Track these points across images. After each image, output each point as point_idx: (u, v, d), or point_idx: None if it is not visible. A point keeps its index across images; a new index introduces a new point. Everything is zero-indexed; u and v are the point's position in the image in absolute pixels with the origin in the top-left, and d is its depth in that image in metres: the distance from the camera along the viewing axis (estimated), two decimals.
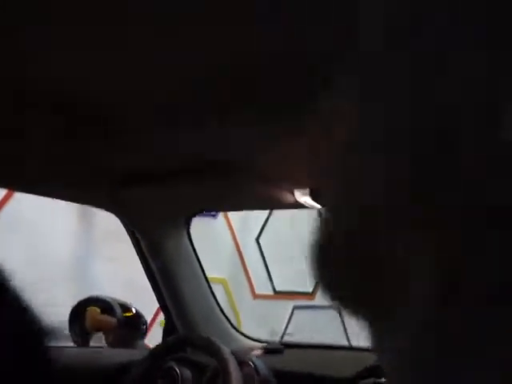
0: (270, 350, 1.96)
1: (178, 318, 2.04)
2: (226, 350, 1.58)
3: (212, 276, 4.53)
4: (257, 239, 5.03)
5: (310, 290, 5.56)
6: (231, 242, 4.73)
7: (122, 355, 2.00)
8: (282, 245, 5.02)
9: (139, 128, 0.94)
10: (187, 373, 1.85)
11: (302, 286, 5.52)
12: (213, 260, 4.55)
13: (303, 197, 1.24)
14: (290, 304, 5.32)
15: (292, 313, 5.35)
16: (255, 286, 5.01)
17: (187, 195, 1.52)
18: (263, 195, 1.31)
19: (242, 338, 2.21)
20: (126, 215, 1.84)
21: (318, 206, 1.22)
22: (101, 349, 2.05)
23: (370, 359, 1.57)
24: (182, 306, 2.03)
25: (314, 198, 1.21)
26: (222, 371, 1.53)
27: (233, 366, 1.45)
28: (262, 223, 4.96)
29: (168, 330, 2.09)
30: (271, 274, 5.16)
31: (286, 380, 1.66)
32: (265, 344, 2.04)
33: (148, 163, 1.22)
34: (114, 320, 2.19)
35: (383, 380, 1.39)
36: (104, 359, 1.97)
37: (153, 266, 1.96)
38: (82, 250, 3.91)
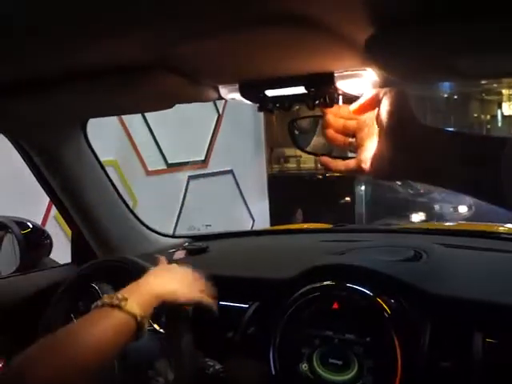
0: (194, 250, 1.88)
1: (89, 230, 1.89)
2: (147, 267, 1.46)
3: (101, 159, 4.38)
4: (143, 114, 4.79)
5: (203, 158, 5.54)
6: (116, 121, 4.47)
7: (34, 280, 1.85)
8: (169, 115, 4.84)
9: (23, 36, 0.81)
10: (109, 289, 1.74)
11: (195, 155, 5.47)
12: (100, 143, 4.32)
13: (230, 93, 1.15)
14: (184, 175, 5.28)
15: (188, 183, 5.33)
16: (147, 163, 4.86)
17: (83, 100, 1.32)
18: (182, 92, 1.17)
19: (159, 237, 2.12)
20: (15, 131, 1.60)
21: (248, 102, 1.13)
22: (11, 278, 1.87)
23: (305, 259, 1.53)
24: (91, 218, 1.88)
25: (244, 94, 1.11)
26: None
27: None
28: None
29: (78, 246, 1.95)
30: (162, 147, 5.01)
31: (218, 285, 1.60)
32: (186, 243, 1.96)
33: (37, 70, 1.04)
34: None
35: (326, 283, 1.35)
36: (20, 287, 1.81)
37: (53, 182, 1.76)
38: None
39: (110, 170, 4.45)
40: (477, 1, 0.66)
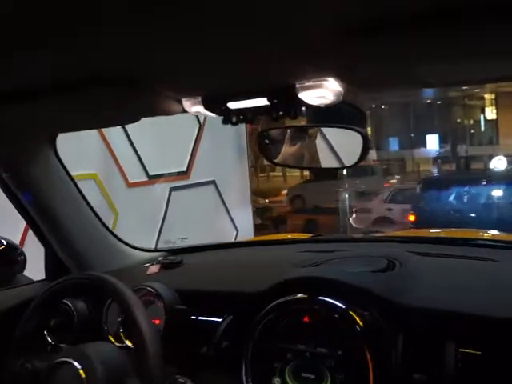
0: (168, 264, 1.86)
1: (61, 247, 1.86)
2: (119, 286, 1.42)
3: (81, 173, 4.34)
4: (123, 126, 4.76)
5: (185, 169, 5.52)
6: (96, 134, 4.43)
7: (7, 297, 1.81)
8: (151, 127, 4.82)
9: None
10: (81, 305, 1.71)
11: (176, 166, 5.44)
12: (80, 156, 4.29)
13: (194, 106, 1.14)
14: (166, 187, 5.25)
15: (170, 194, 5.30)
16: (128, 175, 4.82)
17: (48, 116, 1.31)
18: (145, 106, 1.17)
19: (133, 251, 2.09)
20: None
21: (212, 115, 1.14)
22: None
23: (275, 270, 1.52)
24: (64, 235, 1.84)
25: (207, 107, 1.11)
26: (122, 310, 1.40)
27: (135, 305, 1.31)
28: None
29: (52, 262, 1.91)
30: (143, 159, 4.98)
31: (192, 300, 1.58)
32: (160, 258, 1.94)
33: (8, 82, 1.03)
34: None
35: (298, 296, 1.33)
36: None
37: (22, 199, 1.73)
38: None
39: (90, 183, 4.47)
40: (434, 11, 0.66)
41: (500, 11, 0.64)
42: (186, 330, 1.53)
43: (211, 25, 0.72)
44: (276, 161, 1.40)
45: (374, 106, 26.47)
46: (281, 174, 24.62)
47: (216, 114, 1.12)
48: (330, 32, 0.73)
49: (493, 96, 27.69)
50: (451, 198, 10.77)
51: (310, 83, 0.96)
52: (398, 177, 15.83)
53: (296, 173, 23.92)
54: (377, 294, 1.31)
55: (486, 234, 2.28)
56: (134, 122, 1.30)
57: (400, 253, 1.61)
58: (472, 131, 28.62)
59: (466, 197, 10.70)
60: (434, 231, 2.86)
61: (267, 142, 1.33)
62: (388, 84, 1.05)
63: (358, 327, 1.23)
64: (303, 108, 1.04)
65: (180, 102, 1.15)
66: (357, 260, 1.60)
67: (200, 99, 1.10)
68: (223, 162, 5.88)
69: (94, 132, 4.38)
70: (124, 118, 1.30)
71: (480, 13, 0.65)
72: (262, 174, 22.83)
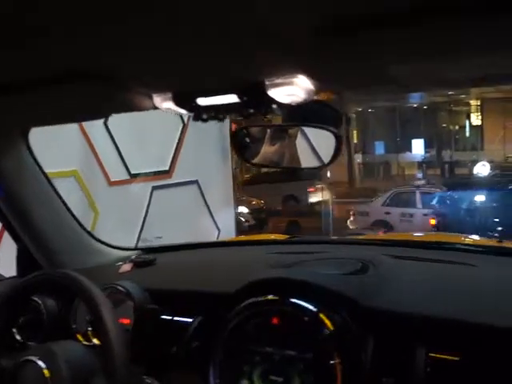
0: (141, 263, 1.83)
1: (33, 244, 1.83)
2: (86, 284, 1.38)
3: (62, 170, 4.29)
4: (105, 123, 4.72)
5: (167, 168, 5.47)
6: (78, 131, 4.38)
7: None
8: (133, 125, 4.78)
9: None
10: (51, 303, 1.68)
11: (159, 165, 5.40)
12: (60, 153, 4.23)
13: (165, 102, 1.11)
14: (148, 185, 5.21)
15: (151, 193, 5.25)
16: (110, 173, 4.77)
17: (18, 110, 1.29)
18: (116, 101, 1.15)
19: (108, 249, 2.06)
20: None
21: (183, 111, 1.11)
22: None
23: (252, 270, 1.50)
24: (36, 232, 1.81)
25: (177, 103, 1.09)
26: (89, 308, 1.38)
27: (101, 304, 1.28)
28: None
29: (24, 259, 1.88)
30: (125, 157, 4.93)
31: (163, 299, 1.56)
32: (133, 256, 1.91)
33: None
34: None
35: (268, 297, 1.31)
36: None
37: None
38: None
39: (70, 181, 4.42)
40: (407, 9, 0.64)
41: (476, 9, 0.63)
42: (155, 330, 1.51)
43: (181, 24, 0.71)
44: (255, 161, 1.37)
45: (360, 109, 26.59)
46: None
47: (186, 110, 1.10)
48: (299, 29, 0.71)
49: (478, 102, 27.93)
50: (474, 202, 10.57)
51: (280, 80, 0.94)
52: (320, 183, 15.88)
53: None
54: (348, 297, 1.29)
55: (467, 239, 2.28)
56: (106, 117, 1.28)
57: (375, 255, 1.59)
58: (457, 136, 28.84)
59: (490, 201, 10.43)
60: (416, 235, 2.86)
61: (247, 140, 1.31)
62: (360, 83, 1.04)
63: (327, 330, 1.22)
64: (274, 106, 1.02)
65: (151, 98, 1.13)
66: (330, 262, 1.59)
67: (171, 95, 1.08)
68: (206, 163, 5.84)
69: (74, 128, 4.33)
70: (96, 113, 1.28)
71: (454, 11, 0.63)
72: (247, 176, 22.80)
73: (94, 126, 4.59)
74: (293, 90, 0.95)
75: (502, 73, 0.88)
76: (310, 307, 1.26)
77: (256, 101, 1.00)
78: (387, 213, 12.36)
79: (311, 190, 15.93)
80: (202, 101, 1.05)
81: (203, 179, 5.85)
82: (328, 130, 1.18)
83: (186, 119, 5.29)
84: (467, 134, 29.19)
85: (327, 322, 1.23)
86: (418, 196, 12.31)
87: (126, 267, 1.82)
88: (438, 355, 1.16)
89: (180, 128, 5.39)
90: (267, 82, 0.95)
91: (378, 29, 0.69)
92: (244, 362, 1.28)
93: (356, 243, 2.01)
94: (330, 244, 2.06)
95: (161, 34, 0.76)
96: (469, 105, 28.73)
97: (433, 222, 10.74)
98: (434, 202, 11.43)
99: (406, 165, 26.22)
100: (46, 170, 1.84)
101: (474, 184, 11.32)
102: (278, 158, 1.36)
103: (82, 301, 1.44)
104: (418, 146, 27.89)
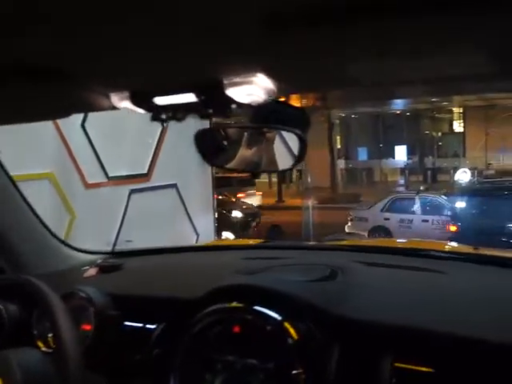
0: (106, 267, 1.79)
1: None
2: (43, 289, 1.34)
3: (37, 172, 4.22)
4: (82, 125, 4.66)
5: (146, 171, 5.42)
6: (54, 132, 4.31)
7: None
8: (112, 128, 4.72)
9: None
10: (13, 308, 1.63)
11: (137, 168, 5.34)
12: (35, 154, 4.16)
13: (122, 101, 1.08)
14: (125, 189, 5.14)
15: (129, 197, 5.19)
16: (86, 175, 4.70)
17: None
18: (72, 100, 1.12)
19: (75, 253, 2.02)
20: None
21: (142, 111, 1.07)
22: None
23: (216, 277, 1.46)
24: (0, 235, 1.76)
25: (134, 102, 1.05)
26: (45, 314, 1.33)
27: (57, 309, 1.23)
28: None
29: None
30: (102, 160, 4.87)
31: (126, 305, 1.51)
32: (99, 261, 1.87)
33: None
34: None
35: (232, 304, 1.28)
36: None
37: None
38: None
39: (46, 183, 4.34)
40: (362, 3, 0.61)
41: (434, 6, 0.60)
42: (118, 337, 1.47)
43: (134, 20, 0.68)
44: (230, 165, 1.32)
45: (343, 115, 26.70)
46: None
47: (144, 109, 1.06)
48: (252, 25, 0.68)
49: (461, 109, 28.18)
50: (496, 208, 9.96)
51: (239, 79, 0.90)
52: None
53: (264, 179, 23.97)
54: (313, 305, 1.26)
55: (442, 246, 2.26)
56: (65, 116, 1.24)
57: (345, 262, 1.56)
58: (440, 143, 29.06)
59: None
60: (389, 241, 2.84)
61: (225, 143, 1.27)
62: (321, 83, 1.01)
63: (290, 340, 1.18)
64: (233, 106, 0.98)
65: (108, 97, 1.09)
66: (299, 268, 1.55)
67: (128, 94, 1.04)
68: (186, 166, 5.77)
69: (50, 129, 4.27)
70: (54, 112, 1.24)
71: (413, 7, 0.60)
72: None
73: (71, 128, 4.52)
74: (252, 89, 0.91)
75: (458, 73, 0.85)
76: (275, 315, 1.22)
77: (215, 100, 0.97)
78: (386, 219, 12.24)
79: (240, 195, 15.74)
80: (160, 100, 1.01)
81: (182, 183, 5.80)
82: (293, 132, 1.14)
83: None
84: (449, 140, 29.43)
85: (291, 330, 1.19)
86: (417, 202, 12.14)
87: (92, 272, 1.78)
88: (403, 365, 1.13)
89: (159, 131, 5.34)
90: (225, 81, 0.91)
91: (331, 23, 0.66)
92: (205, 370, 1.24)
93: (329, 249, 1.98)
94: (303, 250, 2.03)
95: (115, 31, 0.73)
96: (451, 112, 28.97)
97: (453, 228, 10.38)
98: (454, 207, 11.11)
99: (388, 171, 26.36)
100: (21, 172, 1.80)
101: (492, 190, 10.89)
102: (256, 162, 1.31)
103: (40, 306, 1.40)
104: (400, 153, 28.05)
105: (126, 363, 1.43)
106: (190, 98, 0.97)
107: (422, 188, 13.61)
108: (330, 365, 1.16)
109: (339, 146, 26.94)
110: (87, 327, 1.47)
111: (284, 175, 22.90)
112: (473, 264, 1.68)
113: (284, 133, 1.31)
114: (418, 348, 1.15)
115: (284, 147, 1.39)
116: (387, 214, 12.32)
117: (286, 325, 1.20)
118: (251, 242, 2.29)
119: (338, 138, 26.91)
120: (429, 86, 1.04)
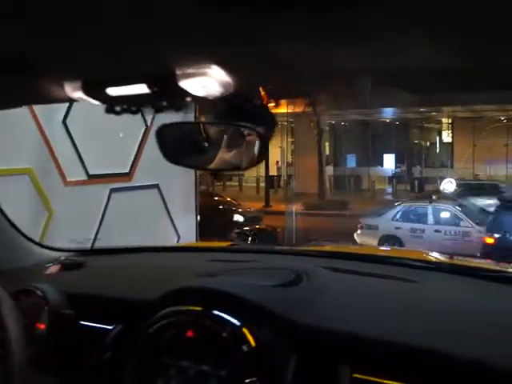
0: (68, 265, 1.74)
1: None
2: None
3: (15, 167, 4.16)
4: (64, 121, 4.60)
5: (127, 170, 5.36)
6: (34, 127, 4.25)
7: None
8: (94, 125, 4.67)
9: None
10: None
11: (118, 167, 5.29)
12: (14, 149, 4.10)
13: (75, 92, 1.03)
14: (106, 187, 5.08)
15: (109, 196, 5.13)
16: (66, 173, 4.64)
17: None
18: (23, 90, 1.09)
19: (39, 249, 1.96)
20: None
21: (95, 102, 1.02)
22: None
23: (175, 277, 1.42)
24: None
25: (87, 92, 1.01)
26: None
27: (3, 305, 1.18)
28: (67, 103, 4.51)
29: None
30: (83, 157, 4.81)
31: (84, 304, 1.47)
32: (62, 258, 1.82)
33: None
34: None
35: (189, 307, 1.23)
36: None
37: None
38: None
39: (24, 179, 4.28)
40: None
41: None
42: (72, 337, 1.42)
43: (86, 7, 0.66)
44: (211, 166, 1.26)
45: (333, 122, 26.74)
46: (237, 183, 24.61)
47: (98, 100, 1.02)
48: (188, 6, 0.64)
49: (449, 120, 28.30)
50: None
51: (192, 70, 0.86)
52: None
53: (252, 183, 23.94)
54: (274, 311, 1.22)
55: (416, 255, 2.22)
56: (16, 107, 1.19)
57: (311, 267, 1.52)
58: (428, 153, 29.16)
59: None
60: (364, 247, 2.80)
61: (206, 145, 1.21)
62: (270, 73, 0.96)
63: (246, 347, 1.14)
64: (188, 99, 0.94)
65: (62, 87, 1.05)
66: (263, 272, 1.51)
67: (81, 84, 1.00)
68: (168, 167, 5.71)
69: (31, 124, 4.22)
70: (5, 103, 1.20)
71: None
72: (219, 183, 22.76)
73: (52, 124, 4.47)
74: (207, 81, 0.87)
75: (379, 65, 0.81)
76: (234, 321, 1.18)
77: (168, 92, 0.93)
78: (397, 228, 11.80)
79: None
80: (113, 91, 0.97)
81: (165, 184, 5.74)
82: (254, 130, 1.10)
83: (149, 122, 5.18)
84: (437, 150, 29.56)
85: (249, 337, 1.15)
86: (430, 211, 11.76)
87: (53, 269, 1.73)
88: (362, 376, 1.09)
89: (142, 130, 5.28)
90: (178, 72, 0.87)
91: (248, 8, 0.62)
92: (158, 375, 1.20)
93: (297, 254, 1.93)
94: (270, 254, 1.98)
95: (67, 17, 0.69)
96: (440, 122, 29.09)
97: (489, 240, 9.69)
98: (487, 218, 10.53)
99: (376, 179, 26.36)
100: None
101: None
102: (237, 162, 1.26)
103: None
104: (389, 161, 28.11)
105: (81, 364, 1.38)
106: (142, 89, 0.93)
107: (434, 197, 13.03)
108: (286, 374, 1.12)
109: (328, 153, 26.97)
110: (41, 326, 1.42)
111: (272, 180, 22.90)
112: (443, 273, 1.64)
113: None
114: (377, 359, 1.11)
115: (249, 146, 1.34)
116: (398, 224, 11.89)
117: (244, 331, 1.16)
118: (221, 244, 2.24)
119: (327, 144, 26.93)
120: (414, 94, 1.00)
